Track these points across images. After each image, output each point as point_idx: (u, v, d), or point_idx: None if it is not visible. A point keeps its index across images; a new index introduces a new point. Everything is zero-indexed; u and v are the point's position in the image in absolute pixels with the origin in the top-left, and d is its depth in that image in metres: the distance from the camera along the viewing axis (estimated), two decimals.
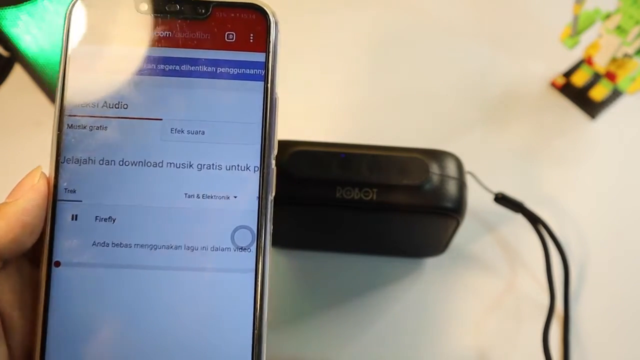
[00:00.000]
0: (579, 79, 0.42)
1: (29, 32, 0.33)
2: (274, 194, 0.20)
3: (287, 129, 0.42)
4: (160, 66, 0.20)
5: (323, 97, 0.43)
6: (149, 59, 0.20)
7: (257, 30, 0.20)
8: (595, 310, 0.35)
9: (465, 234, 0.36)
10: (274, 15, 0.20)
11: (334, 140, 0.30)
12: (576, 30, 0.38)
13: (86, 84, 0.20)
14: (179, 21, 0.20)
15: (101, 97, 0.20)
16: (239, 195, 0.19)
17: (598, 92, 0.42)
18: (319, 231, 0.33)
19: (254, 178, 0.19)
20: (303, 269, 0.36)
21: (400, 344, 0.34)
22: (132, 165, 0.19)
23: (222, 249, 0.19)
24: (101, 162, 0.19)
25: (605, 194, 0.39)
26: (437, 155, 0.29)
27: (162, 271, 0.19)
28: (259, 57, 0.20)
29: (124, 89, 0.20)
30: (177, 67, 0.20)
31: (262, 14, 0.20)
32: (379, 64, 0.45)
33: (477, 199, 0.35)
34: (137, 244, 0.19)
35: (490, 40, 0.46)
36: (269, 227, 0.19)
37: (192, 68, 0.20)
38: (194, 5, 0.20)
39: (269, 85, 0.20)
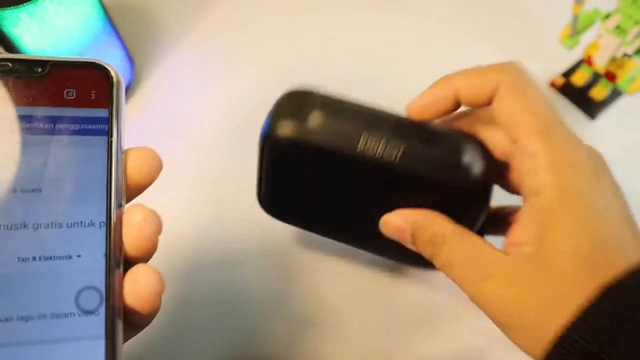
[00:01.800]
0: (579, 79, 0.42)
1: (29, 33, 0.33)
2: (124, 252, 0.18)
3: None
4: None
5: None
6: None
7: (98, 87, 0.19)
8: None
9: None
10: (115, 72, 0.20)
11: None
12: (576, 30, 0.38)
13: None
14: (12, 80, 0.19)
15: None
16: (83, 254, 0.18)
17: (598, 92, 0.42)
18: (323, 200, 0.29)
19: (99, 234, 0.18)
20: (301, 266, 0.36)
21: (400, 343, 0.34)
22: None
23: (65, 315, 0.17)
24: None
25: None
26: (470, 139, 0.26)
27: None
28: (102, 112, 0.19)
29: None
30: (9, 125, 0.18)
31: (102, 72, 0.19)
32: (378, 65, 0.45)
33: None
34: None
35: (490, 40, 0.46)
36: (119, 286, 0.18)
37: (27, 125, 0.18)
38: (29, 64, 0.19)
39: (113, 139, 0.19)
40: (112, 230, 0.18)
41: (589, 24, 0.38)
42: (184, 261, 0.36)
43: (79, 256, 0.18)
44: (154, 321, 0.19)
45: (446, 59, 0.45)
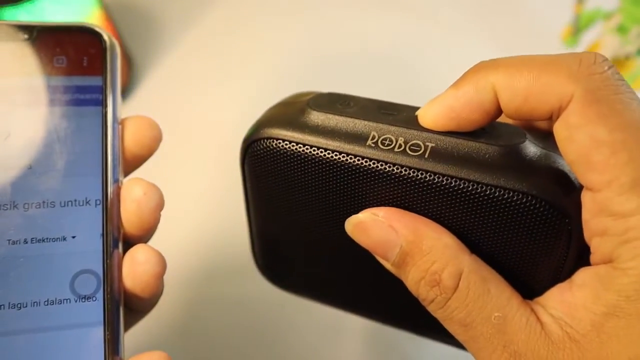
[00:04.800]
0: None
1: None
2: (123, 230, 0.17)
3: None
4: None
5: None
6: None
7: (90, 53, 0.18)
8: None
9: None
10: (108, 36, 0.18)
11: None
12: (577, 29, 0.38)
13: None
14: None
15: None
16: (78, 235, 0.16)
17: None
18: (318, 243, 0.20)
19: (95, 213, 0.16)
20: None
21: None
22: None
23: (60, 301, 0.16)
24: None
25: None
26: (528, 129, 0.18)
27: None
28: (95, 80, 0.18)
29: None
30: None
31: (95, 36, 0.18)
32: (379, 64, 0.45)
33: None
34: None
35: (491, 40, 0.46)
36: (118, 269, 0.16)
37: (14, 96, 0.17)
38: (15, 29, 0.18)
39: (107, 109, 0.18)
40: (109, 208, 0.17)
41: (590, 23, 0.37)
42: (183, 269, 0.36)
43: (73, 237, 0.16)
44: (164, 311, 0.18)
45: (445, 58, 0.45)
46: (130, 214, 0.17)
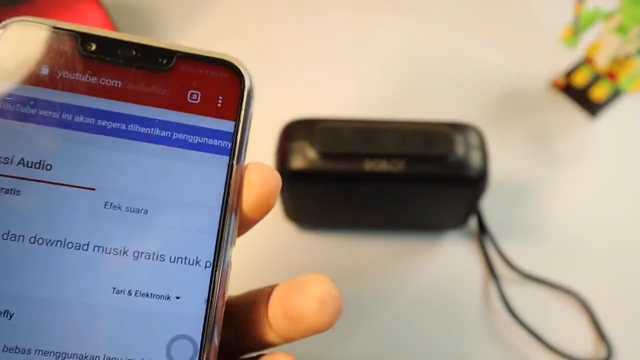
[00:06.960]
0: (580, 78, 0.42)
1: None
2: (227, 295, 0.16)
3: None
4: (100, 122, 0.15)
5: (331, 96, 0.43)
6: (87, 112, 0.15)
7: (227, 92, 0.16)
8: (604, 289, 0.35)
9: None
10: (250, 77, 0.16)
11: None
12: (577, 29, 0.38)
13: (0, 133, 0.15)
14: (132, 70, 0.16)
15: (17, 151, 0.15)
16: (182, 296, 0.15)
17: (599, 92, 0.41)
18: (344, 207, 0.34)
19: (204, 275, 0.15)
20: (321, 248, 0.37)
21: (420, 318, 0.34)
22: (47, 244, 0.14)
23: None
24: (5, 236, 0.14)
25: (606, 194, 0.39)
26: (461, 128, 0.30)
27: None
28: (227, 125, 0.16)
29: (50, 145, 0.15)
30: (122, 126, 0.15)
31: (235, 74, 0.16)
32: (379, 64, 0.45)
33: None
34: (40, 350, 0.14)
35: (490, 40, 0.46)
36: (217, 339, 0.15)
37: (141, 129, 0.16)
38: (154, 53, 0.16)
39: (234, 161, 0.16)
40: (219, 273, 0.15)
41: (590, 23, 0.37)
42: None
43: (178, 298, 0.15)
44: None
45: (446, 59, 0.45)
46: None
